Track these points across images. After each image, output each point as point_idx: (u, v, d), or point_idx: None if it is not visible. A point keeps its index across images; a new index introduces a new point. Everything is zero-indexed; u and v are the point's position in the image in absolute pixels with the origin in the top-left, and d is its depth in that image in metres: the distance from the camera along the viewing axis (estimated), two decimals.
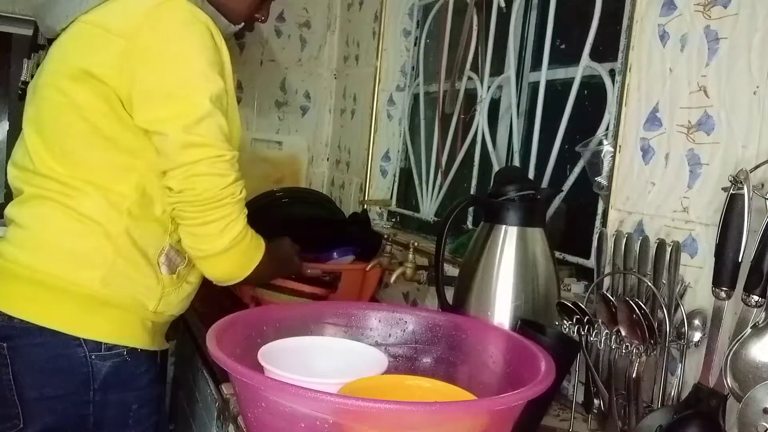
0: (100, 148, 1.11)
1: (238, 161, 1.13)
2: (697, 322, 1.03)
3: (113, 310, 1.14)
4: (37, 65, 1.23)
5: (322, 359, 0.98)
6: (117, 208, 1.12)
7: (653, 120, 1.17)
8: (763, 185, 0.94)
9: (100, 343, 1.12)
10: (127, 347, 1.15)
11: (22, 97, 1.26)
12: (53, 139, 1.13)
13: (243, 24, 1.31)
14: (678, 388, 1.03)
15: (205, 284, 1.28)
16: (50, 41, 1.25)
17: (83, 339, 1.11)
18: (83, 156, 1.12)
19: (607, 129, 1.36)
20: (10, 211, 1.18)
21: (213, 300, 1.28)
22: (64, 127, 1.12)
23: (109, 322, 1.14)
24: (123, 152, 1.12)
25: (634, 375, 1.02)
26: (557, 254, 1.38)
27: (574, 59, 1.51)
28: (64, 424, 1.14)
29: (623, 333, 1.03)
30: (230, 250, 1.13)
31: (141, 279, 1.15)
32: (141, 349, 1.17)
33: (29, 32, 2.32)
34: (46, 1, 1.17)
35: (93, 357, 1.12)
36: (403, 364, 1.06)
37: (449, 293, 1.28)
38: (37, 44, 1.28)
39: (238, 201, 1.13)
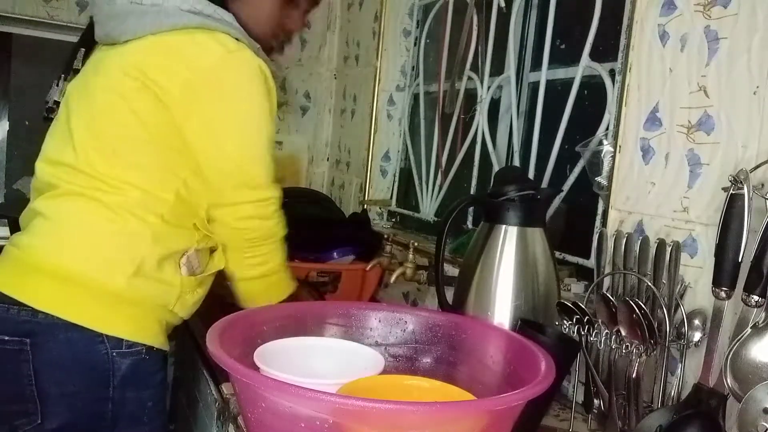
0: (153, 155, 1.15)
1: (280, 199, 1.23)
2: (697, 322, 1.03)
3: (135, 308, 1.15)
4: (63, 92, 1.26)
5: (316, 360, 0.98)
6: (153, 211, 1.14)
7: (653, 120, 1.17)
8: (763, 185, 0.94)
9: (122, 340, 1.13)
10: (146, 345, 1.16)
11: (48, 118, 1.27)
12: (107, 140, 1.15)
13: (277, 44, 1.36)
14: (678, 388, 1.03)
15: None
16: (85, 59, 1.28)
17: (106, 336, 1.12)
18: (135, 160, 1.15)
19: (607, 129, 1.36)
20: (39, 204, 1.18)
21: (213, 300, 1.29)
22: (120, 130, 1.15)
23: (131, 320, 1.15)
24: (172, 160, 1.16)
25: (634, 375, 1.02)
26: (557, 254, 1.38)
27: (574, 59, 1.51)
28: (81, 421, 1.14)
29: (623, 333, 1.03)
30: (259, 279, 1.27)
31: (163, 279, 1.17)
32: (156, 348, 1.19)
33: (29, 32, 2.33)
34: (117, 14, 1.19)
35: (114, 354, 1.13)
36: (403, 364, 1.06)
37: (449, 293, 1.28)
38: (72, 68, 1.28)
39: (279, 240, 1.26)
